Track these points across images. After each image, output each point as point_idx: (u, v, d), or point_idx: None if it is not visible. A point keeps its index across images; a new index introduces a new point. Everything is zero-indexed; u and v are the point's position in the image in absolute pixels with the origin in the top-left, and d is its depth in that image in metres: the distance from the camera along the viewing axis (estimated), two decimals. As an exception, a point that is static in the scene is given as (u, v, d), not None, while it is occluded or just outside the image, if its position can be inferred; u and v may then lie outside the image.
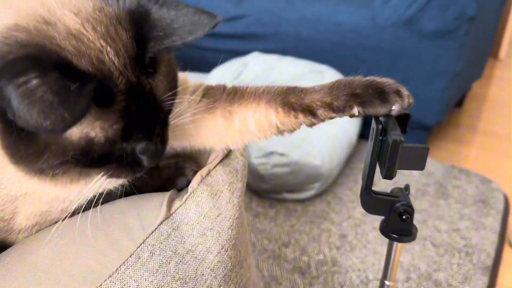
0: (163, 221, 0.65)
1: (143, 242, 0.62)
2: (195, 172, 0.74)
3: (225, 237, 0.69)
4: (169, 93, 0.59)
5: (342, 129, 1.82)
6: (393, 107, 0.66)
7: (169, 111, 0.61)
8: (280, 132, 0.72)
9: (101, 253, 0.61)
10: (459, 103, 2.55)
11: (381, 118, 0.68)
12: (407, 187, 0.76)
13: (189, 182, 0.73)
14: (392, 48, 1.95)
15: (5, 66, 0.46)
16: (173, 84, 0.61)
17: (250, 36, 2.23)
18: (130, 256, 0.61)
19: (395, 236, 0.75)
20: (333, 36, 2.05)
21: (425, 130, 2.08)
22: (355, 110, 0.67)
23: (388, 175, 0.67)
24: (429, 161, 2.03)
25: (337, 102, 0.67)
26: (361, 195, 0.72)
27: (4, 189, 0.64)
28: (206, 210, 0.69)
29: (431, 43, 1.88)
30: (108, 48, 0.52)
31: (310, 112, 0.68)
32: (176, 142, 0.75)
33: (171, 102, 0.60)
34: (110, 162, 0.57)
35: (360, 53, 2.02)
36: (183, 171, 0.75)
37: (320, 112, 0.68)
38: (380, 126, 0.67)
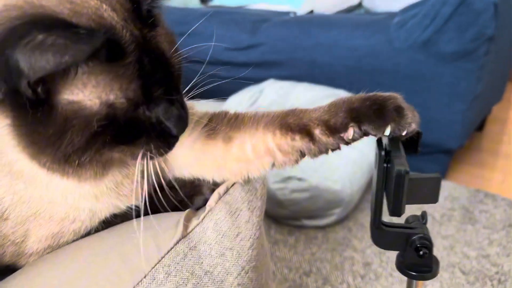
0: (179, 240, 0.62)
1: (158, 262, 0.59)
2: (213, 190, 0.71)
3: (245, 258, 0.65)
4: (174, 50, 0.57)
5: (361, 153, 1.77)
6: (387, 128, 0.58)
7: (179, 74, 0.58)
8: (280, 163, 0.66)
9: (114, 274, 0.57)
10: (480, 127, 2.50)
11: (384, 142, 0.60)
12: (424, 215, 0.67)
13: (206, 200, 0.70)
14: (410, 71, 1.92)
15: (5, 36, 0.45)
16: (173, 45, 0.58)
17: (265, 63, 2.23)
18: (145, 277, 0.57)
19: (413, 273, 0.66)
20: (348, 61, 2.04)
21: (448, 154, 2.02)
22: (350, 130, 0.60)
23: (396, 211, 0.59)
24: (453, 185, 1.96)
25: (334, 119, 0.61)
26: (371, 229, 0.64)
27: (14, 210, 0.62)
28: (225, 229, 0.65)
29: (450, 65, 1.85)
30: (104, 6, 0.52)
31: (307, 133, 0.63)
32: (175, 171, 0.72)
33: (180, 63, 0.58)
34: (139, 135, 0.55)
35: (377, 77, 1.99)
36: (200, 189, 0.72)
37: (317, 132, 0.62)
38: (383, 152, 0.59)
